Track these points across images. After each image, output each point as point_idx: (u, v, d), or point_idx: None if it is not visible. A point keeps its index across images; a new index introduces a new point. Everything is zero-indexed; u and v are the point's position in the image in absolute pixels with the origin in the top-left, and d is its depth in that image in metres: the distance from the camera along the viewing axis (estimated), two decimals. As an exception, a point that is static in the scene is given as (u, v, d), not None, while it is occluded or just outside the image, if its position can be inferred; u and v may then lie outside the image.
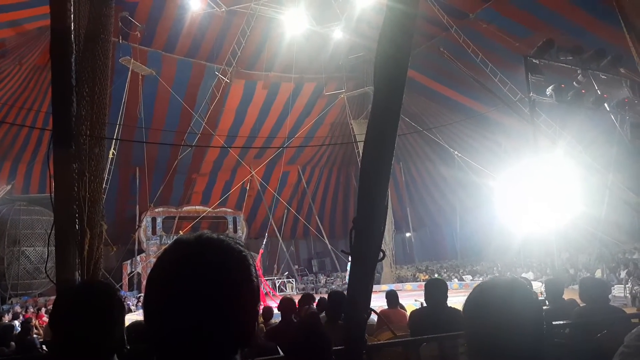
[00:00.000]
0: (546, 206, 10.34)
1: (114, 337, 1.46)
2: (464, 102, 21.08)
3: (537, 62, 10.24)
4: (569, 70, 10.63)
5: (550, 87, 10.36)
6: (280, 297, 5.32)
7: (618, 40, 10.72)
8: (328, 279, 27.71)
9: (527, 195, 13.16)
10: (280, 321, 4.84)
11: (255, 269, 0.93)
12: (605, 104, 10.68)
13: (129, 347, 1.56)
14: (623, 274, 15.54)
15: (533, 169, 10.54)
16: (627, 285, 14.37)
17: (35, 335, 7.43)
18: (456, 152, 20.16)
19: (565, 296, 5.18)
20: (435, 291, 4.03)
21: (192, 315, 0.84)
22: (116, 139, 16.72)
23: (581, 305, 4.40)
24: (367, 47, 19.75)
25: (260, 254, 18.58)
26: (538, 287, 13.85)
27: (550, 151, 11.76)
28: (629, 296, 13.81)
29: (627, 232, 18.29)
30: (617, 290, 14.04)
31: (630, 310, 10.33)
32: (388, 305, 6.06)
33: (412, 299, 11.27)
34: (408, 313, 5.35)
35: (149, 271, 0.95)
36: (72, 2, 4.20)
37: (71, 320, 1.43)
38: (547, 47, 10.40)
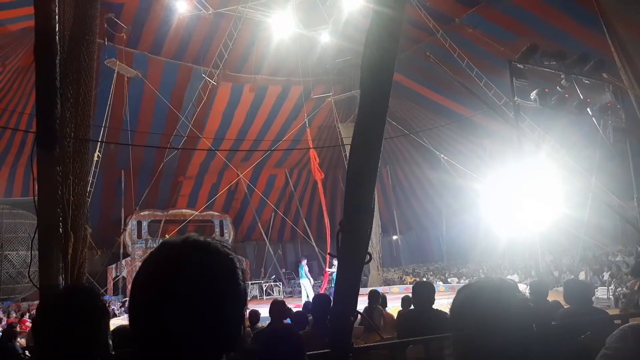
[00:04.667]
0: (530, 209, 10.47)
1: (97, 342, 1.45)
2: (450, 106, 21.24)
3: (522, 67, 10.37)
4: (553, 75, 10.79)
5: (534, 92, 10.50)
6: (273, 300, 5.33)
7: (601, 45, 10.91)
8: (315, 282, 27.66)
9: (511, 198, 13.30)
10: (268, 324, 4.83)
11: (243, 272, 0.93)
12: (588, 109, 10.85)
13: (113, 352, 1.54)
14: (606, 276, 15.75)
15: (517, 172, 10.67)
16: (610, 287, 14.56)
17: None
18: (442, 156, 20.29)
19: (550, 298, 5.25)
20: (423, 294, 4.06)
21: (176, 318, 0.84)
22: (101, 142, 16.56)
23: (565, 306, 4.46)
24: (354, 50, 19.82)
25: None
26: (523, 289, 13.97)
27: (534, 155, 11.90)
28: (612, 298, 13.99)
29: (610, 234, 18.55)
30: (601, 292, 14.21)
31: (613, 311, 10.45)
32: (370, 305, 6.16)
33: (399, 302, 11.27)
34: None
35: (134, 275, 0.94)
36: (56, 3, 4.16)
37: (54, 325, 1.41)
38: (532, 52, 10.55)
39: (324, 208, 19.45)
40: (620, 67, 8.38)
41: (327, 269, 18.06)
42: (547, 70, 10.79)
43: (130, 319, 0.90)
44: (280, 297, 22.10)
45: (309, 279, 17.68)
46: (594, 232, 15.96)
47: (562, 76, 10.59)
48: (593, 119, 11.20)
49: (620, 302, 13.36)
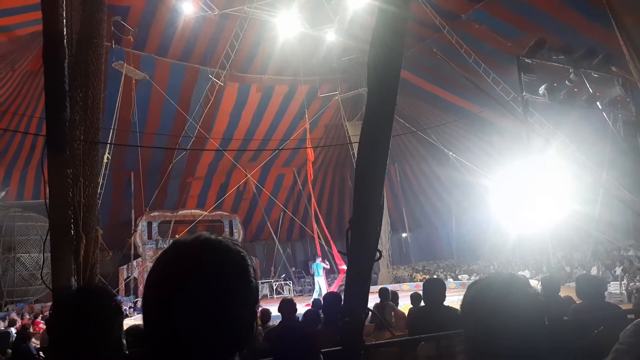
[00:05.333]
0: (540, 205, 10.40)
1: (112, 342, 1.46)
2: (458, 102, 21.15)
3: (530, 62, 10.29)
4: (561, 69, 10.69)
5: (542, 87, 10.41)
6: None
7: (608, 40, 10.81)
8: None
9: (521, 195, 13.23)
10: (280, 322, 4.83)
11: (254, 270, 0.93)
12: (598, 103, 10.75)
13: (127, 352, 1.55)
14: (618, 270, 15.64)
15: (527, 168, 10.60)
16: (622, 282, 14.45)
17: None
18: (450, 153, 20.21)
19: (562, 293, 5.22)
20: (434, 290, 4.05)
21: (188, 317, 0.84)
22: (110, 144, 16.67)
23: (577, 302, 4.43)
24: (360, 49, 19.78)
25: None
26: (534, 284, 13.88)
27: (543, 150, 11.82)
28: (625, 293, 13.88)
29: (621, 229, 18.38)
30: (613, 287, 14.11)
31: (626, 306, 10.37)
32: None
33: (409, 299, 11.25)
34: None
35: (145, 276, 0.95)
36: (64, 8, 4.19)
37: (68, 326, 1.42)
38: (539, 47, 10.46)
39: (313, 203, 19.63)
40: (629, 60, 8.28)
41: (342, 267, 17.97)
42: (555, 64, 10.70)
43: (144, 318, 0.90)
44: (291, 295, 22.14)
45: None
46: (605, 227, 15.83)
47: (570, 70, 10.49)
48: (603, 113, 11.09)
49: (633, 297, 13.25)
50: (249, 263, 0.92)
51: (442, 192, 27.82)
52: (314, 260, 18.31)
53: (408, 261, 30.35)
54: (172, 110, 20.42)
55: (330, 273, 28.82)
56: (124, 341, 1.53)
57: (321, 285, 17.28)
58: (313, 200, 19.64)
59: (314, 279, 17.83)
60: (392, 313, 6.31)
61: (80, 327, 1.40)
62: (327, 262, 18.18)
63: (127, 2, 17.23)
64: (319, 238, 18.96)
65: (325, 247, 24.42)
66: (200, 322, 0.84)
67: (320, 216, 19.62)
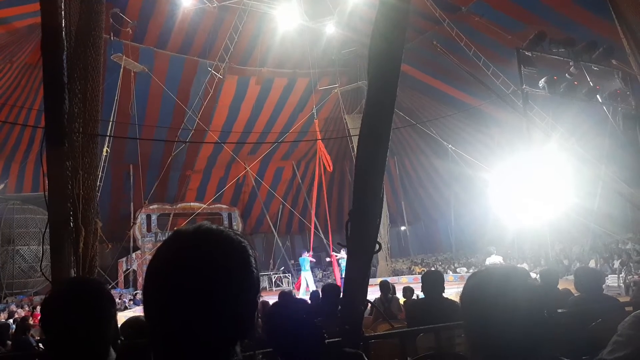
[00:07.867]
0: (539, 198, 10.41)
1: (107, 331, 1.46)
2: (457, 95, 21.11)
3: (530, 55, 10.27)
4: (562, 62, 10.67)
5: (542, 80, 10.40)
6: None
7: (609, 32, 10.75)
8: (324, 273, 27.75)
9: (520, 188, 13.23)
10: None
11: (256, 260, 0.93)
12: (598, 96, 10.73)
13: (122, 339, 1.55)
14: (617, 264, 15.69)
15: (526, 161, 10.60)
16: (620, 275, 14.51)
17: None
18: (450, 146, 20.19)
19: (560, 286, 5.24)
20: (432, 283, 4.06)
21: (191, 307, 0.84)
22: (109, 136, 16.64)
23: (576, 294, 4.46)
24: (359, 41, 19.71)
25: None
26: (533, 277, 13.93)
27: (543, 143, 11.81)
28: (623, 285, 13.95)
29: (620, 223, 18.41)
30: (611, 280, 14.18)
31: (624, 299, 10.41)
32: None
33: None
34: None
35: (145, 268, 0.94)
36: (62, -1, 4.18)
37: (59, 318, 1.42)
38: (540, 40, 10.43)
39: (314, 196, 19.93)
40: (629, 53, 8.25)
41: (334, 253, 18.48)
42: (555, 57, 10.67)
43: (145, 309, 0.90)
44: (289, 288, 22.22)
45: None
46: (603, 221, 15.84)
47: (570, 63, 10.46)
48: (603, 106, 11.08)
49: (630, 290, 13.31)
50: (251, 253, 0.91)
51: (441, 186, 27.82)
52: (302, 255, 18.85)
53: (407, 254, 30.40)
54: (171, 103, 20.37)
55: (329, 266, 28.94)
56: (118, 330, 1.53)
57: (308, 280, 17.78)
58: (324, 190, 19.78)
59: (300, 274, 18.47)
60: (399, 306, 6.42)
61: (73, 319, 1.40)
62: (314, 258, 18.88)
63: (126, -6, 17.16)
64: (317, 230, 19.15)
65: (324, 240, 24.51)
66: (202, 313, 0.84)
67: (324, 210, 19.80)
